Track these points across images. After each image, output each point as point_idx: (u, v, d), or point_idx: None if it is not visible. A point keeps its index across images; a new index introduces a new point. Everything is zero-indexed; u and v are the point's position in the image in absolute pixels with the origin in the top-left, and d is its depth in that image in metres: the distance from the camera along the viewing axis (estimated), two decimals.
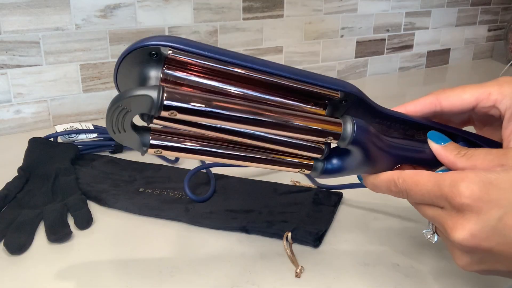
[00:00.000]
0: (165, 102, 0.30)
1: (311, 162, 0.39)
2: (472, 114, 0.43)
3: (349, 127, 0.36)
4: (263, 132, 0.35)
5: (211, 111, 0.32)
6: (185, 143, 0.36)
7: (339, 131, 0.36)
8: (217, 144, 0.37)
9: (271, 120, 0.34)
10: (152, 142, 0.34)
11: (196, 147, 0.36)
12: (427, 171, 0.36)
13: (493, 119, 0.41)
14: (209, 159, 0.37)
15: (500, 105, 0.40)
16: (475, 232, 0.32)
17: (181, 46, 0.32)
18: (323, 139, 0.36)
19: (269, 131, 0.34)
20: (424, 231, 0.39)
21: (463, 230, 0.33)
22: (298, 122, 0.35)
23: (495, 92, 0.40)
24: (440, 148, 0.39)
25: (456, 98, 0.41)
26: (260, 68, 0.34)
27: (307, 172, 0.40)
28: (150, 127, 0.35)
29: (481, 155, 0.36)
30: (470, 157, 0.36)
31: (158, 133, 0.35)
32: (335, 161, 0.39)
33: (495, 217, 0.32)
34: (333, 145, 0.39)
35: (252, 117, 0.33)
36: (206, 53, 0.33)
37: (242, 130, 0.34)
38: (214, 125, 0.33)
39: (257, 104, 0.34)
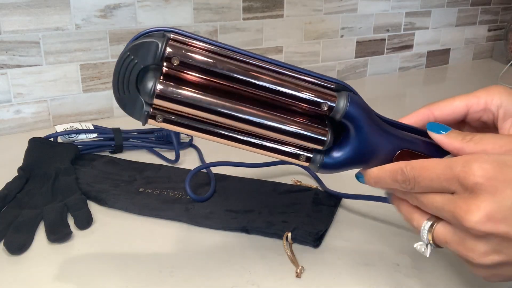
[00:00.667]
0: (168, 49, 0.33)
1: (310, 155, 0.39)
2: (466, 125, 0.43)
3: (342, 100, 0.37)
4: (261, 92, 0.36)
5: (212, 62, 0.34)
6: (187, 114, 0.36)
7: (334, 101, 0.37)
8: (219, 120, 0.36)
9: (268, 80, 0.35)
10: (154, 107, 0.35)
11: (196, 120, 0.36)
12: (436, 158, 0.35)
13: (488, 127, 0.41)
14: (207, 135, 0.37)
15: (491, 107, 0.40)
16: (491, 212, 0.31)
17: (182, 31, 0.34)
18: (318, 109, 0.37)
19: (266, 94, 0.36)
20: (415, 245, 0.37)
21: (478, 211, 0.31)
22: (294, 87, 0.36)
23: (483, 95, 0.40)
24: (443, 137, 0.38)
25: (447, 106, 0.41)
26: (257, 57, 0.36)
27: (306, 164, 0.39)
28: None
29: (490, 139, 0.35)
30: (479, 141, 0.35)
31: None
32: (334, 154, 0.39)
33: (511, 197, 0.30)
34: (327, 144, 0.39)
35: (250, 77, 0.35)
36: (205, 39, 0.35)
37: (240, 88, 0.35)
38: (214, 83, 0.35)
39: (256, 67, 0.35)
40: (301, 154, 0.39)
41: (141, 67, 0.34)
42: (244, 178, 0.61)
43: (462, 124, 0.43)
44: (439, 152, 0.39)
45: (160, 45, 0.33)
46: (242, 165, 0.62)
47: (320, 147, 0.38)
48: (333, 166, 0.39)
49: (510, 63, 1.24)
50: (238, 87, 0.35)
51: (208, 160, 0.67)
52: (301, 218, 0.51)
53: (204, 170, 0.61)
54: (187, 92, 0.34)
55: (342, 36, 1.10)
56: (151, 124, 0.36)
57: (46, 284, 0.42)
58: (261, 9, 0.96)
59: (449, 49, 1.34)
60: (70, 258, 0.46)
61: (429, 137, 0.39)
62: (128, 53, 0.33)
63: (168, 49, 0.33)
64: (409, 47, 1.24)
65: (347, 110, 0.36)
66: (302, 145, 0.38)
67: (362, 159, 0.39)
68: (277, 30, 1.00)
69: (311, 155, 0.39)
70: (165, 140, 0.71)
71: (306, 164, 0.39)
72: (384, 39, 1.18)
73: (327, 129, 0.38)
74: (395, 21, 1.19)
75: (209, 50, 0.35)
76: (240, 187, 0.59)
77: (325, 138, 0.37)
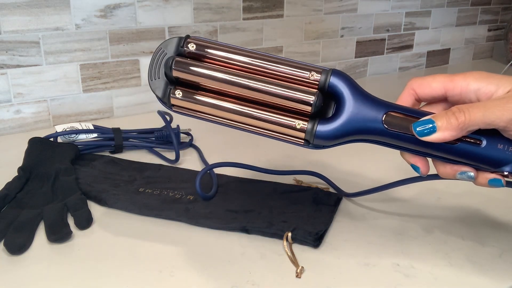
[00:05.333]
0: (188, 43, 0.43)
1: (305, 123, 0.41)
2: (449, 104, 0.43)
3: (327, 70, 0.41)
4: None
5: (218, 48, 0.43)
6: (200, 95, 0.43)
7: (320, 70, 0.41)
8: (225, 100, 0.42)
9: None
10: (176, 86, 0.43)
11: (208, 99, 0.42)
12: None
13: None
14: (215, 109, 0.43)
15: (468, 93, 0.40)
16: None
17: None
18: (307, 73, 0.41)
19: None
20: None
21: None
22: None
23: (459, 81, 0.40)
24: (438, 135, 0.38)
25: (426, 85, 0.42)
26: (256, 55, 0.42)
27: (302, 135, 0.41)
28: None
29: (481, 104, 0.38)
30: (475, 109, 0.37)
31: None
32: (326, 122, 0.41)
33: None
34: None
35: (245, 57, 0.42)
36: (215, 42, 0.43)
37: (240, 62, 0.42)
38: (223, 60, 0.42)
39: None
40: (296, 122, 0.41)
41: (170, 55, 0.43)
42: (244, 178, 0.61)
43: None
44: (421, 113, 0.41)
45: (182, 40, 0.43)
46: (250, 168, 0.61)
47: (310, 102, 0.40)
48: (327, 132, 0.41)
49: (510, 63, 1.24)
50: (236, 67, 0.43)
51: (208, 160, 0.67)
52: (301, 218, 0.51)
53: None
54: (197, 68, 0.42)
55: (342, 36, 1.10)
56: (174, 105, 0.43)
57: (46, 284, 0.42)
58: (261, 9, 0.96)
59: (449, 49, 1.34)
60: (70, 258, 0.46)
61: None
62: (161, 47, 0.43)
63: (185, 48, 0.43)
64: (409, 47, 1.24)
65: (332, 77, 0.41)
66: (295, 98, 0.41)
67: (352, 123, 0.41)
68: (277, 30, 1.00)
69: (306, 124, 0.41)
70: (165, 140, 0.71)
71: (302, 134, 0.41)
72: (384, 39, 1.18)
73: (316, 91, 0.41)
74: (395, 21, 1.19)
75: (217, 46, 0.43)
76: (240, 187, 0.59)
77: (312, 97, 0.40)
